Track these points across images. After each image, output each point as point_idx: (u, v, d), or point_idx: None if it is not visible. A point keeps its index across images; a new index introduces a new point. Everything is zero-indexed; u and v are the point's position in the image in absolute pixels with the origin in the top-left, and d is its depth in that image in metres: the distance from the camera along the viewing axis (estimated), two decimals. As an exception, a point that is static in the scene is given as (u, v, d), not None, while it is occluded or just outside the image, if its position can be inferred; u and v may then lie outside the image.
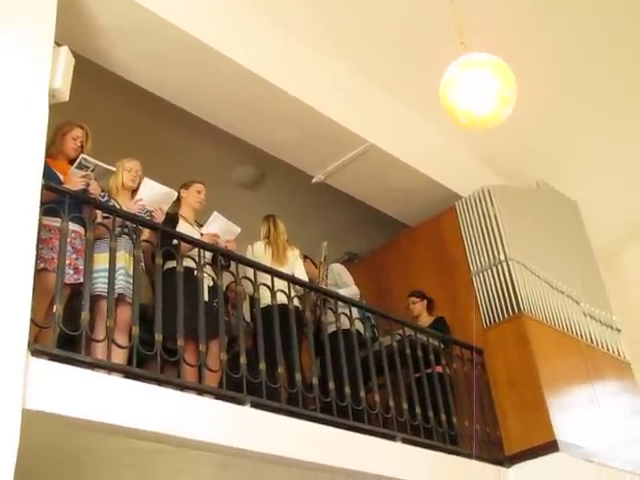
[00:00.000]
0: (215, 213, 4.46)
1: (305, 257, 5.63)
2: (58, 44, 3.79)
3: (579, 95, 6.08)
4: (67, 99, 3.81)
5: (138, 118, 5.43)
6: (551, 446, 4.99)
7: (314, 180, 5.93)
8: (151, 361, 3.64)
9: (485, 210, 5.99)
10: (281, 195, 6.37)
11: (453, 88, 3.18)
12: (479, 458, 4.91)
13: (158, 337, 3.60)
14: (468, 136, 5.31)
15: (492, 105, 3.15)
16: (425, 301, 5.87)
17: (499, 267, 5.73)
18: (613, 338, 6.57)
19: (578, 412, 5.48)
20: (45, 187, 3.35)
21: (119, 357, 3.57)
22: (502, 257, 5.75)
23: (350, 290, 5.33)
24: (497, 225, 5.89)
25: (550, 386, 5.27)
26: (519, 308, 5.54)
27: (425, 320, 5.77)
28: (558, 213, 6.78)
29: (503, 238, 5.82)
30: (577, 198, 7.07)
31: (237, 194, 6.35)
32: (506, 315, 5.58)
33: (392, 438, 4.46)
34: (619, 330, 6.72)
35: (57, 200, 3.49)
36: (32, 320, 3.02)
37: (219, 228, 4.45)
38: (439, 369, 5.21)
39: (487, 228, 5.92)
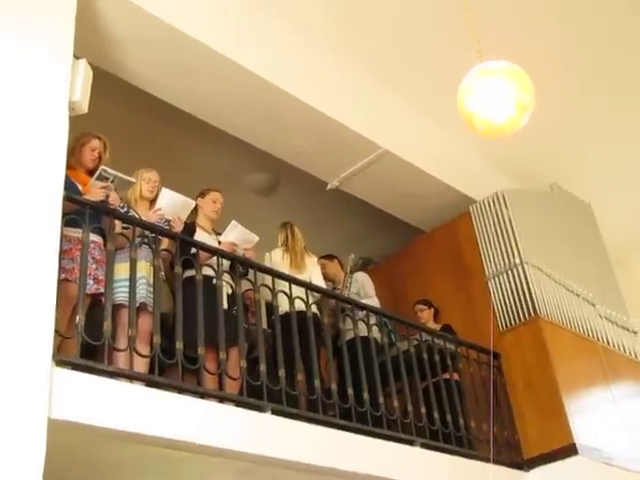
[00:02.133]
0: (233, 222, 4.48)
1: (333, 257, 5.65)
2: (76, 57, 3.83)
3: (592, 99, 6.07)
4: (86, 111, 3.85)
5: (153, 127, 5.46)
6: (570, 449, 4.99)
7: (328, 186, 5.93)
8: (171, 369, 3.68)
9: (500, 214, 5.99)
10: (295, 201, 6.38)
11: (471, 96, 3.19)
12: (498, 462, 4.90)
13: (179, 345, 3.62)
14: (481, 141, 5.26)
15: (510, 113, 3.15)
16: (432, 309, 5.87)
17: (514, 271, 5.73)
18: (630, 340, 6.55)
19: (596, 415, 5.47)
20: (66, 198, 3.39)
21: (140, 366, 3.59)
22: (517, 261, 5.75)
23: (371, 301, 5.32)
24: (512, 229, 5.89)
25: (568, 389, 5.27)
26: (535, 311, 5.54)
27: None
28: (572, 216, 6.76)
29: (518, 242, 5.82)
30: (591, 201, 7.05)
31: (251, 201, 6.35)
32: (522, 318, 5.59)
33: (411, 443, 4.47)
34: (635, 332, 6.70)
35: (77, 211, 3.52)
36: (56, 331, 3.06)
37: (237, 237, 4.47)
38: (456, 376, 5.23)
39: (502, 232, 5.92)
